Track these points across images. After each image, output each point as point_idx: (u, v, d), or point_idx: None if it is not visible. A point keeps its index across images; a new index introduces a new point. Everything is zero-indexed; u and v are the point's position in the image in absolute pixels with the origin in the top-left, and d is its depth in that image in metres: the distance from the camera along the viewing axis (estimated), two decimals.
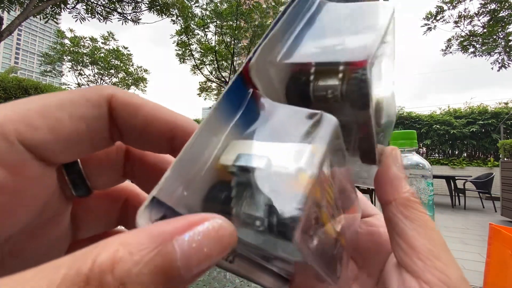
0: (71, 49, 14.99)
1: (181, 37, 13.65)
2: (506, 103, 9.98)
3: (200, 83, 15.80)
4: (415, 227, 0.20)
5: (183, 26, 12.86)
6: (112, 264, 0.10)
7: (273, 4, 13.27)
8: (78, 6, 8.12)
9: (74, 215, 0.20)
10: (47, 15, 7.58)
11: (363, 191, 3.31)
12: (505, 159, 5.68)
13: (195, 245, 0.11)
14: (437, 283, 0.17)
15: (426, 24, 9.82)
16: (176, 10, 10.36)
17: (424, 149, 10.45)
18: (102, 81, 15.94)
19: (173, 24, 11.96)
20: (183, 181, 0.13)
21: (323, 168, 0.13)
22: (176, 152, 0.14)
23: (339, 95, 0.17)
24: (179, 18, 11.69)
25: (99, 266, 0.10)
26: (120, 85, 16.38)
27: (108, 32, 15.61)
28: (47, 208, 0.16)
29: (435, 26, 9.77)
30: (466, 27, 9.55)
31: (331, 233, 0.17)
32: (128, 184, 0.22)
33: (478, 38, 9.32)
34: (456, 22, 9.56)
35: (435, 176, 5.68)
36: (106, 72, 15.76)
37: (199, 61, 14.59)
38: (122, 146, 0.20)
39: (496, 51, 9.18)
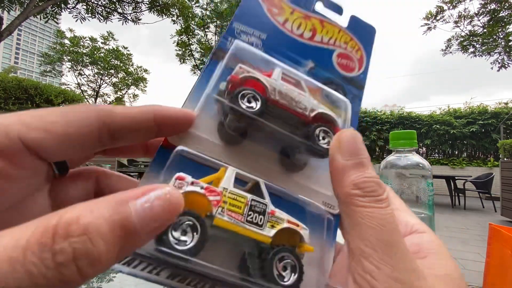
0: (71, 49, 14.97)
1: (181, 37, 13.65)
2: (506, 103, 9.97)
3: None
4: (353, 225, 0.18)
5: (183, 26, 12.86)
6: (77, 218, 0.12)
7: None
8: (79, 6, 8.12)
9: (55, 197, 0.22)
10: (47, 15, 7.57)
11: None
12: (505, 159, 5.68)
13: (148, 205, 0.14)
14: (365, 285, 0.17)
15: (426, 24, 9.82)
16: (177, 10, 10.35)
17: (424, 149, 10.45)
18: (102, 81, 15.93)
19: (173, 24, 11.96)
20: None
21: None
22: (162, 133, 0.22)
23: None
24: (179, 18, 11.68)
25: (65, 219, 0.12)
26: (120, 85, 16.38)
27: (107, 32, 15.60)
28: (32, 187, 0.20)
29: (435, 26, 9.77)
30: (466, 27, 9.55)
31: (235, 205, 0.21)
32: (96, 167, 0.27)
33: (478, 38, 9.32)
34: (456, 22, 9.56)
35: (435, 176, 5.68)
36: (106, 72, 15.74)
37: (199, 61, 14.58)
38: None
39: (496, 51, 9.18)
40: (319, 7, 0.31)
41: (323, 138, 0.25)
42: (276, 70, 0.26)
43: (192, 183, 0.20)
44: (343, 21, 0.31)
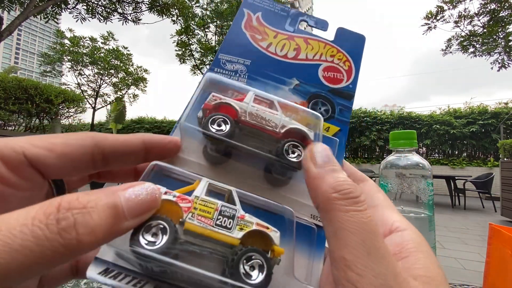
0: (71, 49, 14.95)
1: (181, 37, 13.64)
2: (506, 103, 9.96)
3: None
4: (334, 233, 0.18)
5: (183, 26, 12.85)
6: (77, 197, 0.15)
7: None
8: (79, 6, 8.11)
9: None
10: (48, 15, 7.57)
11: None
12: (505, 159, 5.68)
13: (134, 193, 0.18)
14: None
15: (426, 24, 9.82)
16: (177, 10, 10.34)
17: (424, 149, 10.45)
18: (102, 81, 15.93)
19: (173, 24, 11.95)
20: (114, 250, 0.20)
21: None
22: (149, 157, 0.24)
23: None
24: (179, 18, 11.67)
25: (67, 198, 0.15)
26: (120, 85, 16.37)
27: (107, 32, 15.59)
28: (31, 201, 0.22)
29: (435, 26, 9.77)
30: (466, 27, 9.55)
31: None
32: None
33: (478, 38, 9.31)
34: (456, 22, 9.56)
35: (435, 176, 5.68)
36: (106, 72, 15.72)
37: (199, 61, 14.58)
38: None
39: (496, 51, 9.17)
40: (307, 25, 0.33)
41: (293, 152, 0.26)
42: (248, 94, 0.27)
43: (166, 193, 0.21)
44: (332, 31, 0.32)
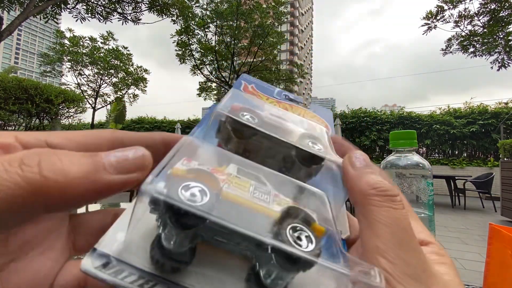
0: (71, 49, 14.94)
1: (181, 37, 13.65)
2: (506, 103, 9.95)
3: (200, 83, 15.79)
4: (368, 225, 0.19)
5: (183, 26, 12.85)
6: (51, 149, 0.15)
7: (273, 4, 13.26)
8: (78, 6, 8.12)
9: (72, 230, 0.23)
10: (47, 15, 7.58)
11: None
12: (505, 159, 5.68)
13: (117, 151, 0.17)
14: None
15: (426, 24, 9.82)
16: (176, 10, 10.34)
17: (424, 149, 10.45)
18: (102, 81, 15.92)
19: (173, 24, 11.95)
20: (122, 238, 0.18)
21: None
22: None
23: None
24: (179, 18, 11.67)
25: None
26: (120, 85, 16.37)
27: (107, 32, 15.58)
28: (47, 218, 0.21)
29: (435, 25, 9.77)
30: (466, 27, 9.55)
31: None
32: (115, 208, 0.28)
33: (478, 38, 9.31)
34: (456, 22, 9.56)
35: (435, 176, 5.68)
36: (106, 72, 15.71)
37: (199, 61, 14.59)
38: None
39: (496, 50, 9.18)
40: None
41: (314, 144, 0.28)
42: (264, 112, 0.32)
43: (199, 165, 0.20)
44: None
